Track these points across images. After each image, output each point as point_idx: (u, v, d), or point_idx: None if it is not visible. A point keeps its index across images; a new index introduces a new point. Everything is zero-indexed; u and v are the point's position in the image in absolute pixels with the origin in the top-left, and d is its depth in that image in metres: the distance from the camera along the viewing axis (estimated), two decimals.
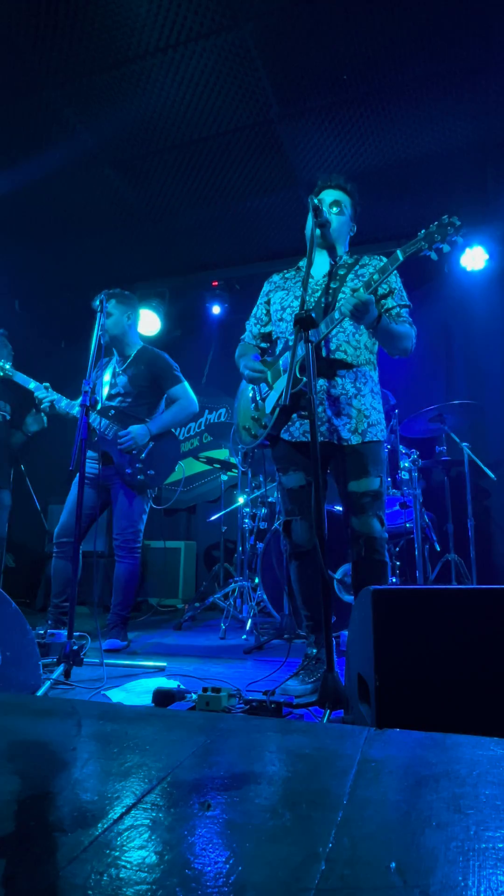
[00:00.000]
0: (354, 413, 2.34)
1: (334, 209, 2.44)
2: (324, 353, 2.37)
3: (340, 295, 2.36)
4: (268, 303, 2.64)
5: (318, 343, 2.32)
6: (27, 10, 3.08)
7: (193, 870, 0.68)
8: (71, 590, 2.42)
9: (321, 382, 2.34)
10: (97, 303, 2.77)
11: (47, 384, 3.27)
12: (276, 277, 2.66)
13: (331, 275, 2.42)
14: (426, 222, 2.12)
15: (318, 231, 2.29)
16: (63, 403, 3.23)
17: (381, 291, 2.41)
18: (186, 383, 3.45)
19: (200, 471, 6.01)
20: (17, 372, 3.31)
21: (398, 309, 2.39)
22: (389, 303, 2.41)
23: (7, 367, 3.31)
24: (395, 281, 2.45)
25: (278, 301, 2.56)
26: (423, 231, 2.08)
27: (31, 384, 3.28)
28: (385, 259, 2.45)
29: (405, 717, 1.29)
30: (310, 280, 2.45)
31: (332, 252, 2.46)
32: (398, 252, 2.11)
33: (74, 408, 3.22)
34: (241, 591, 4.21)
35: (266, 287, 2.68)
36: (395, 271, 2.44)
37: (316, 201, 2.23)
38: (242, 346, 2.71)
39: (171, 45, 3.29)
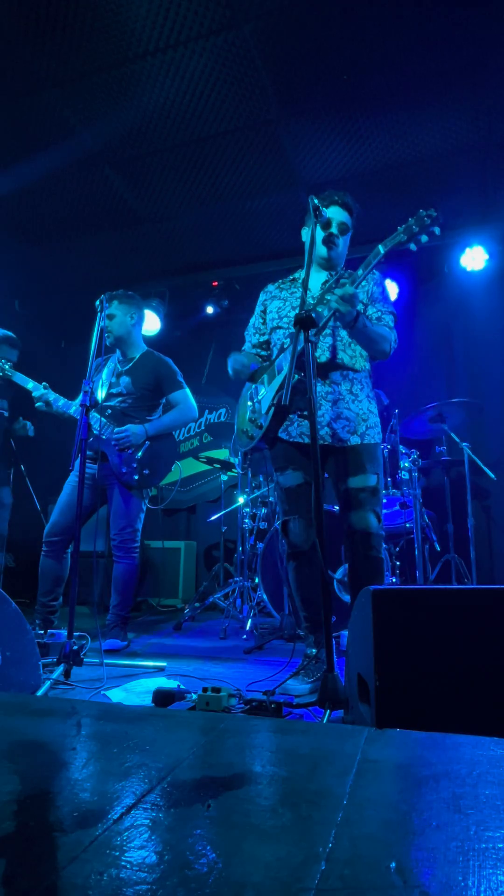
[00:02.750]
0: (353, 416, 2.38)
1: (343, 235, 2.48)
2: (323, 360, 2.40)
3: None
4: (264, 312, 2.66)
5: (314, 345, 2.34)
6: (27, 10, 3.08)
7: (193, 870, 0.68)
8: (71, 590, 2.42)
9: (320, 388, 2.37)
10: (102, 304, 2.77)
11: (45, 383, 3.28)
12: (270, 287, 2.69)
13: (326, 288, 2.46)
14: None
15: (319, 232, 2.32)
16: (60, 403, 3.24)
17: (364, 299, 2.45)
18: (188, 389, 3.46)
19: (200, 471, 6.01)
20: (16, 372, 3.32)
21: (380, 314, 2.45)
22: (370, 310, 2.47)
23: (7, 367, 3.31)
24: (378, 291, 2.51)
25: (275, 310, 2.58)
26: (401, 226, 2.19)
27: (30, 384, 3.29)
28: (377, 272, 2.53)
29: (405, 717, 1.29)
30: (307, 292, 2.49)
31: (329, 271, 2.52)
32: (379, 247, 2.20)
33: (71, 407, 3.23)
34: (241, 591, 4.21)
35: (262, 297, 2.71)
36: (383, 283, 2.51)
37: (316, 201, 2.23)
38: (243, 355, 2.72)
39: (171, 45, 3.29)
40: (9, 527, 4.22)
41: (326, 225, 2.41)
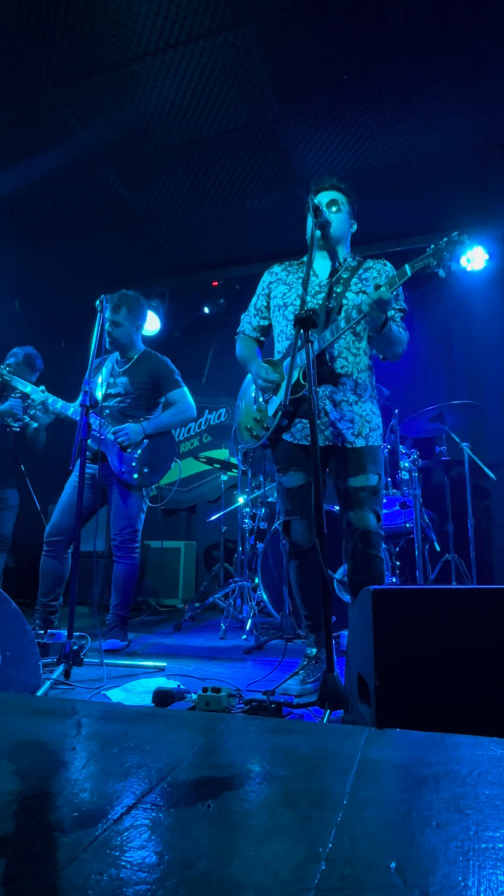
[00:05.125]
0: (357, 418, 2.36)
1: (332, 208, 2.45)
2: (326, 358, 2.38)
3: (344, 300, 2.37)
4: (268, 295, 2.62)
5: (323, 351, 2.33)
6: (27, 10, 3.08)
7: (193, 870, 0.68)
8: (71, 590, 2.42)
9: (325, 388, 2.36)
10: (106, 304, 2.75)
11: (43, 387, 3.30)
12: (277, 269, 2.62)
13: (335, 277, 2.43)
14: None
15: (318, 232, 2.29)
16: (59, 405, 3.25)
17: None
18: (186, 388, 3.46)
19: (200, 471, 6.01)
20: (14, 376, 3.33)
21: (392, 312, 2.41)
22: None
23: (4, 372, 3.32)
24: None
25: (280, 295, 2.54)
26: (432, 246, 2.08)
27: (28, 387, 3.30)
28: (389, 264, 2.47)
29: (405, 717, 1.29)
30: (313, 280, 2.45)
31: (333, 254, 2.47)
32: (406, 267, 2.12)
33: (69, 409, 3.24)
34: (240, 591, 4.21)
35: (267, 278, 2.64)
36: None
37: (316, 201, 2.24)
38: (243, 340, 2.68)
39: (171, 45, 3.29)
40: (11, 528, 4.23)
41: (320, 212, 2.35)
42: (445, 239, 2.05)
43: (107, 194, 4.58)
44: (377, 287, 2.13)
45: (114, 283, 5.61)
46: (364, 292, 2.34)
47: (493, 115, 3.78)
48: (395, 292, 2.41)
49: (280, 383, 2.45)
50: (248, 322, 2.68)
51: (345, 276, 2.43)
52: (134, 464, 3.22)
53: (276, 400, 2.45)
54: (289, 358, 2.42)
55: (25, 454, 4.13)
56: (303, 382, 2.20)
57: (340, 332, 2.27)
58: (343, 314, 2.26)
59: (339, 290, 2.40)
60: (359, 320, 2.21)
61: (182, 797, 0.88)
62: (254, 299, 2.68)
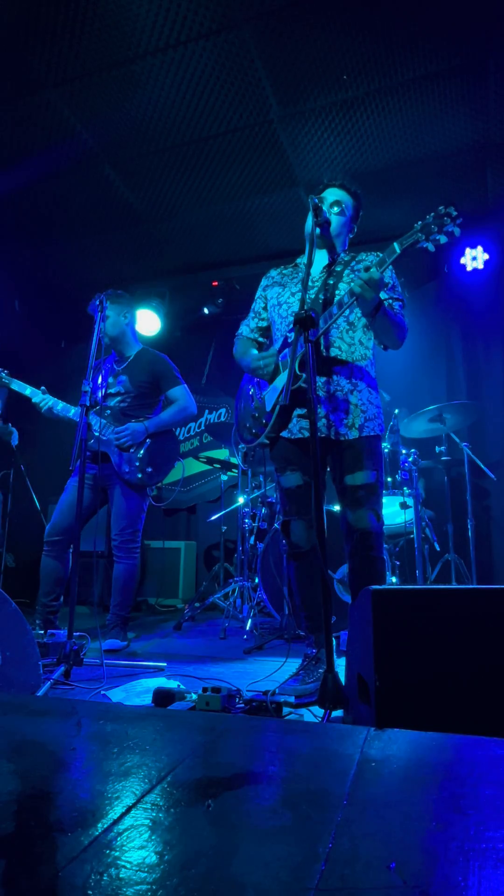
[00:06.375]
0: (351, 408, 2.34)
1: (335, 209, 2.45)
2: (320, 348, 2.37)
3: (337, 291, 2.37)
4: (265, 297, 2.64)
5: (317, 339, 2.32)
6: (27, 10, 3.08)
7: (193, 870, 0.68)
8: (71, 590, 2.42)
9: (318, 379, 2.34)
10: (96, 303, 2.77)
11: (43, 388, 3.29)
12: (273, 273, 2.66)
13: (328, 271, 2.43)
14: None
15: (317, 231, 2.29)
16: (59, 407, 3.25)
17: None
18: (185, 386, 3.46)
19: (200, 471, 6.02)
20: (13, 379, 3.32)
21: (390, 301, 2.39)
22: (382, 295, 2.40)
23: (3, 374, 3.31)
24: (389, 275, 2.44)
25: (274, 296, 2.56)
26: (419, 223, 2.10)
27: (28, 390, 3.29)
28: (381, 254, 2.45)
29: (405, 717, 1.29)
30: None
31: (330, 251, 2.48)
32: (395, 244, 2.11)
33: (71, 410, 3.24)
34: (240, 591, 4.21)
35: (263, 282, 2.68)
36: (391, 267, 2.42)
37: (316, 200, 2.23)
38: (241, 341, 2.69)
39: (171, 45, 3.29)
40: (9, 527, 4.22)
41: (320, 212, 2.35)
42: (432, 213, 2.07)
43: (107, 194, 4.58)
44: (367, 269, 2.11)
45: (114, 283, 5.61)
46: None
47: (492, 114, 3.79)
48: (389, 279, 2.40)
49: (274, 362, 2.44)
50: (247, 325, 2.71)
51: (338, 270, 2.44)
52: (137, 463, 3.22)
53: (274, 394, 2.44)
54: (285, 351, 2.42)
55: (25, 454, 4.13)
56: (299, 373, 2.18)
57: (334, 318, 2.25)
58: (336, 301, 2.26)
59: (332, 283, 2.40)
60: (351, 303, 2.19)
61: (182, 797, 0.88)
62: (253, 303, 2.71)
